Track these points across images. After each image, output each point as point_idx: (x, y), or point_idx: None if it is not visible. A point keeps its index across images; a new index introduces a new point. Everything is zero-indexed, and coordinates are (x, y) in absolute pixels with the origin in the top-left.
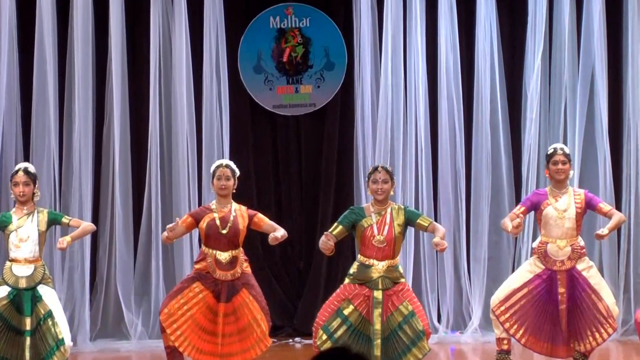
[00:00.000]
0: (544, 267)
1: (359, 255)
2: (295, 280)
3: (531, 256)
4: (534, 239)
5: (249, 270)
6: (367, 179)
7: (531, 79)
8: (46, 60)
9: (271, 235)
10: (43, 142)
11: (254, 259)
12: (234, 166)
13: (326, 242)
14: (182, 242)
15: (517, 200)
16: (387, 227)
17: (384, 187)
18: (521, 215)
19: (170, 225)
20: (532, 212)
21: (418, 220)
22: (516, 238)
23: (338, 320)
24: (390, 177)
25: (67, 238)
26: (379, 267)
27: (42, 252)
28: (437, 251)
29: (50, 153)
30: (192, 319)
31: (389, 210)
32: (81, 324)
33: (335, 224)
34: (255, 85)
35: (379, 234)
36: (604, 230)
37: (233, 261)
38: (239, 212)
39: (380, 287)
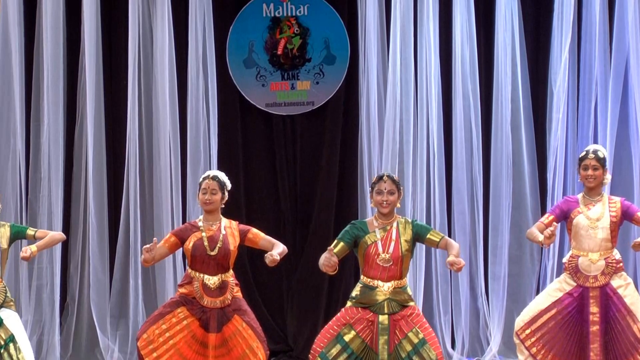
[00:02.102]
0: (575, 284)
1: (362, 276)
2: (290, 303)
3: (561, 273)
4: (561, 253)
5: (240, 294)
6: (371, 189)
7: (557, 75)
8: (11, 52)
9: (268, 256)
10: (8, 145)
11: (242, 278)
12: (224, 178)
13: (329, 258)
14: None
15: (542, 210)
16: (393, 244)
17: (389, 198)
18: (555, 223)
19: (147, 245)
20: (562, 224)
21: (428, 236)
22: (541, 252)
23: (338, 347)
24: (397, 188)
25: (33, 247)
26: (384, 289)
27: (3, 272)
28: (451, 270)
29: (16, 157)
30: (175, 349)
31: (394, 224)
32: (50, 349)
33: (336, 241)
34: (245, 81)
35: (384, 252)
36: None
37: (223, 286)
38: (229, 230)
39: (386, 311)
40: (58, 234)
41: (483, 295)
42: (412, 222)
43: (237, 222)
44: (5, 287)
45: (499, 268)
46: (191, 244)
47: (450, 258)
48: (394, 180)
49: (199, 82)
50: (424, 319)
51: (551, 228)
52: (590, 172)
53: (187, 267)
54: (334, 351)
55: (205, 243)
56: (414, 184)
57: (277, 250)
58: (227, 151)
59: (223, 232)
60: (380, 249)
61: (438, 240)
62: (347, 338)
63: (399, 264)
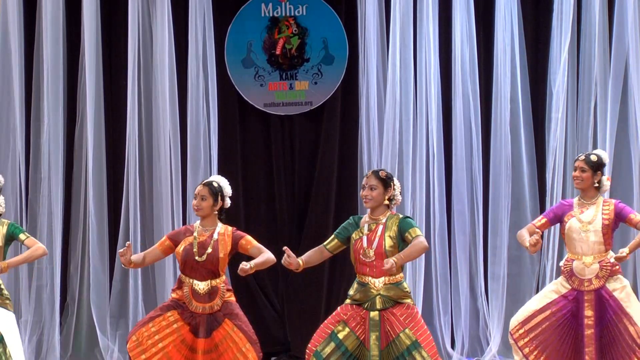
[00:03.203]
0: (570, 287)
1: (357, 274)
2: (290, 302)
3: (558, 273)
4: (560, 254)
5: (232, 299)
6: None
7: (557, 74)
8: (11, 51)
9: (240, 266)
10: (7, 145)
11: (243, 279)
12: (220, 184)
13: (285, 258)
14: (163, 258)
15: (541, 211)
16: (377, 240)
17: (370, 194)
18: (538, 230)
19: (121, 250)
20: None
21: (406, 233)
22: (540, 253)
23: (332, 345)
24: (382, 184)
25: (4, 264)
26: (376, 285)
27: None
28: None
29: (16, 157)
30: (163, 353)
31: (383, 220)
32: (50, 349)
33: (332, 237)
34: (244, 81)
35: (368, 248)
36: (624, 251)
37: (212, 292)
38: (221, 237)
39: (377, 306)
40: (41, 249)
41: (483, 296)
42: (401, 218)
43: (234, 229)
44: (0, 284)
45: (499, 268)
46: (182, 249)
47: (390, 258)
48: (378, 175)
49: (199, 82)
50: (419, 317)
51: (535, 236)
52: (577, 173)
53: (179, 272)
54: (328, 349)
55: (195, 249)
56: (414, 184)
57: (257, 259)
58: (226, 151)
59: (215, 238)
60: (365, 245)
61: (411, 239)
62: (341, 335)
63: (381, 260)
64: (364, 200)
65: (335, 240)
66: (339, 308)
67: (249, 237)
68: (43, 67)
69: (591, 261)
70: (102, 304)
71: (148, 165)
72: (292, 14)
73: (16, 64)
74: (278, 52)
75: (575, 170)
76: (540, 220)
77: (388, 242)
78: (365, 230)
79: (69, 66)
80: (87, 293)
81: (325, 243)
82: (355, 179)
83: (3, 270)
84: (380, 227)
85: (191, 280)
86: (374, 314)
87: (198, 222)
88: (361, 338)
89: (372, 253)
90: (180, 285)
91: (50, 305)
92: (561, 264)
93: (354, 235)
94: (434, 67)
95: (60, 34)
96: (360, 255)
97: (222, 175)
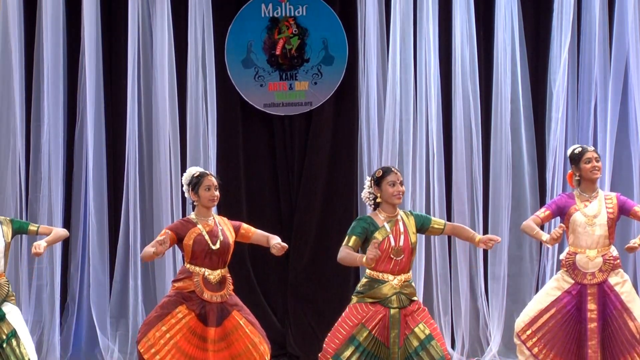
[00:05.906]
0: (573, 281)
1: (368, 270)
2: (291, 302)
3: (558, 270)
4: (560, 253)
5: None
6: (376, 182)
7: (557, 74)
8: (11, 51)
9: (276, 245)
10: (7, 145)
11: (243, 274)
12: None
13: (376, 251)
14: (164, 257)
15: None
16: (402, 236)
17: (403, 189)
18: (562, 224)
19: (160, 238)
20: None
21: (431, 225)
22: (540, 253)
23: (351, 348)
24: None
25: (43, 243)
26: (393, 283)
27: (6, 267)
28: (484, 249)
29: (16, 157)
30: (176, 347)
31: (398, 217)
32: (50, 349)
33: (347, 236)
34: (244, 81)
35: (396, 246)
36: (635, 242)
37: (222, 281)
38: (224, 225)
39: (395, 305)
40: (62, 230)
41: (483, 296)
42: (415, 214)
43: (227, 218)
44: (8, 281)
45: (499, 268)
46: (192, 240)
47: (483, 236)
48: (399, 172)
49: (199, 82)
50: (429, 315)
51: (559, 230)
52: (595, 163)
53: (185, 263)
54: (348, 352)
55: (207, 238)
56: (414, 184)
57: (277, 239)
58: (226, 151)
59: (220, 226)
60: (392, 243)
61: (442, 227)
62: (360, 338)
63: (409, 256)
64: (398, 196)
65: (355, 238)
66: (351, 308)
67: (246, 225)
68: (43, 67)
69: (595, 255)
70: (102, 304)
71: (148, 165)
72: (292, 15)
73: (16, 64)
74: (278, 52)
75: (590, 162)
76: (545, 212)
77: (413, 238)
78: (388, 229)
79: (69, 66)
80: (87, 293)
81: (346, 243)
82: (354, 179)
83: (45, 248)
84: (401, 225)
85: (202, 269)
86: (394, 312)
87: (193, 214)
88: (380, 337)
89: (400, 250)
90: (187, 275)
91: (50, 305)
92: (562, 257)
93: (377, 234)
94: (434, 67)
95: (60, 34)
96: (391, 254)
97: (222, 175)
